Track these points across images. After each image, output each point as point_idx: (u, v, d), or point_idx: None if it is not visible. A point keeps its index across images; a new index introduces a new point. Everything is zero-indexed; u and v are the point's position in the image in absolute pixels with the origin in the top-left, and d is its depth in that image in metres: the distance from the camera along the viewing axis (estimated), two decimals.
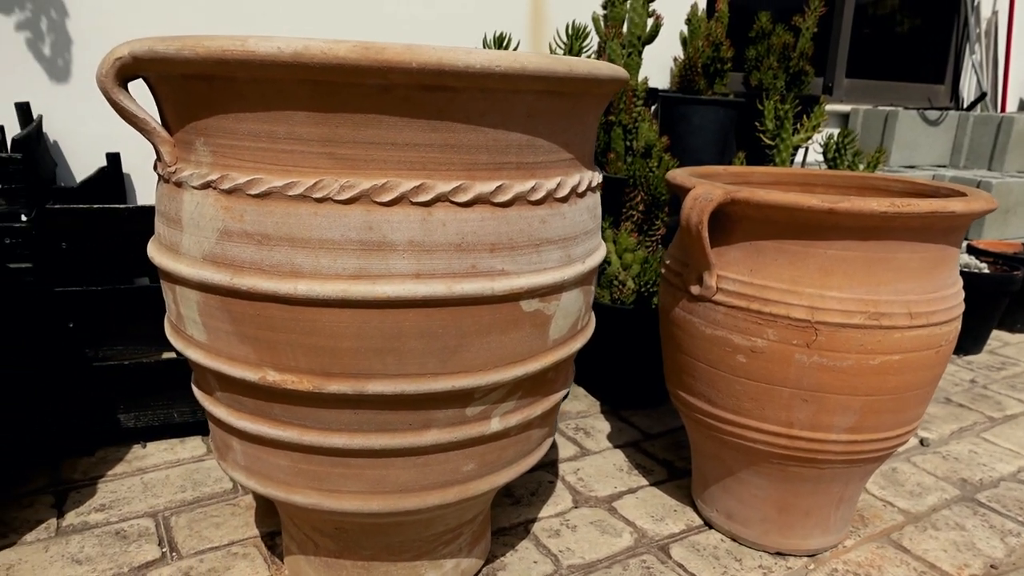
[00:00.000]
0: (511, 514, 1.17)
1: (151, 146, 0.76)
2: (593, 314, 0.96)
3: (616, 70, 0.78)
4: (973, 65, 3.34)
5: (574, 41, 1.62)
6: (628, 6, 1.76)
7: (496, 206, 0.72)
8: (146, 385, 1.28)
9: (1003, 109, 3.38)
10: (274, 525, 1.11)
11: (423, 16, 1.98)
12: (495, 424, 0.81)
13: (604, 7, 1.80)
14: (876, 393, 0.95)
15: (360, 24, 1.92)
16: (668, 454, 1.39)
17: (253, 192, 0.68)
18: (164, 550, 1.04)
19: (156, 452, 1.31)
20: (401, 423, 0.75)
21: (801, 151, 1.94)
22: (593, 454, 1.38)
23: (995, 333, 2.21)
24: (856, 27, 3.01)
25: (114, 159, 1.67)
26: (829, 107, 2.73)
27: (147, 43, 0.68)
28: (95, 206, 1.18)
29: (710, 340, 1.00)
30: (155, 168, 0.81)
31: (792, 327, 0.93)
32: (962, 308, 0.99)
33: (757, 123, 1.83)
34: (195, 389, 0.87)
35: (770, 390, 0.97)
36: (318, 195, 0.67)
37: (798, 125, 1.85)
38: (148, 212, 1.23)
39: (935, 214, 0.87)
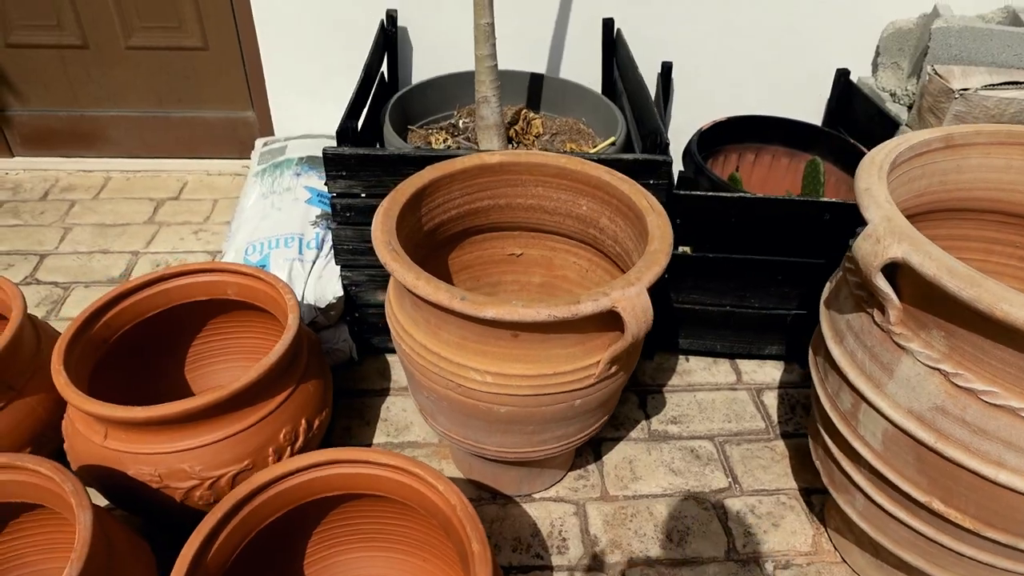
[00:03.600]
0: None
1: None
2: None
3: None
4: None
5: None
6: None
7: None
8: (708, 323, 1.60)
9: None
10: (805, 482, 1.41)
11: None
12: None
13: None
14: None
15: None
16: None
17: (986, 400, 0.84)
18: (729, 480, 1.42)
19: (696, 369, 1.67)
20: None
21: None
22: None
23: None
24: None
25: None
26: None
27: (932, 269, 0.81)
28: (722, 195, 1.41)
29: None
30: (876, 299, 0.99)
31: None
32: None
33: None
34: (816, 447, 1.13)
35: None
36: None
37: None
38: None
39: None
